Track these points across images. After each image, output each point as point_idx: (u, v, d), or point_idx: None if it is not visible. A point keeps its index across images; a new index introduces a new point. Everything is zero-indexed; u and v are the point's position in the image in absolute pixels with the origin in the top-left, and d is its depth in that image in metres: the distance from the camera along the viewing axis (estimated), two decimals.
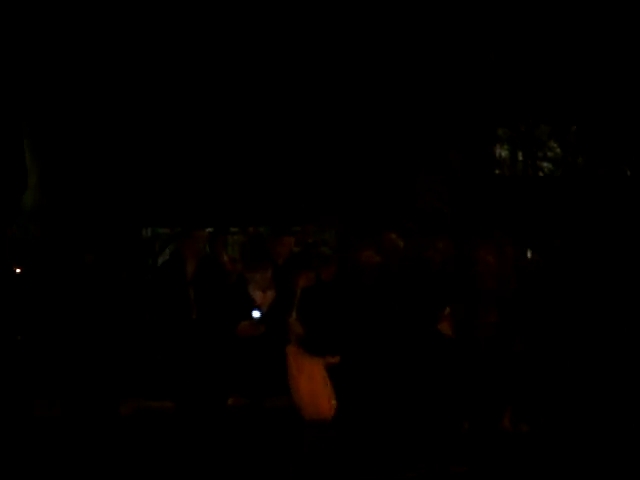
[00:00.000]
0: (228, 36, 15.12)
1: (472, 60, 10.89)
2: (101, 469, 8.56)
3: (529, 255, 9.68)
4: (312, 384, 9.00)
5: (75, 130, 15.35)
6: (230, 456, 8.71)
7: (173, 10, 14.89)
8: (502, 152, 10.56)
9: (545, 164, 10.07)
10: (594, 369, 9.09)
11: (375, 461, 8.61)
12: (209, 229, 11.11)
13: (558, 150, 9.99)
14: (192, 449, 8.95)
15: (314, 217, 12.72)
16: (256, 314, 8.98)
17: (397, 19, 14.52)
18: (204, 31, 15.02)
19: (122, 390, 10.23)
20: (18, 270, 11.89)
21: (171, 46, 15.01)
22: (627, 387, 9.03)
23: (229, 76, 15.43)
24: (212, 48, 15.21)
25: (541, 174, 10.03)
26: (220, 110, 15.62)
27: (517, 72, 9.66)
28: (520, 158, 10.40)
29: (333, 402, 9.07)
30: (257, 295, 9.15)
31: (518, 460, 8.64)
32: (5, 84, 14.76)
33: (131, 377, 10.30)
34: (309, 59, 15.25)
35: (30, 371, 10.85)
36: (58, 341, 10.84)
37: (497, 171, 10.58)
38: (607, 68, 9.73)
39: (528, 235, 9.58)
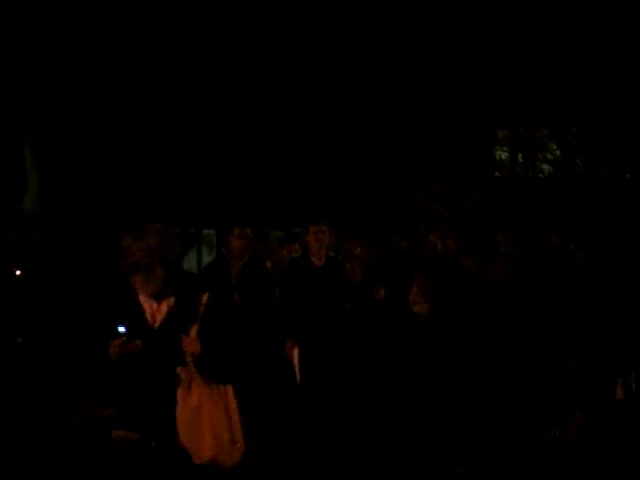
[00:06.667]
0: (228, 37, 15.13)
1: (472, 62, 10.90)
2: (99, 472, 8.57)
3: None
4: (196, 419, 7.07)
5: (75, 133, 15.35)
6: None
7: (173, 11, 14.90)
8: (502, 154, 10.56)
9: (545, 166, 10.07)
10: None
11: (375, 463, 8.63)
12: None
13: (558, 152, 9.99)
14: None
15: (313, 219, 12.71)
16: (121, 329, 7.07)
17: (398, 21, 14.53)
18: (204, 32, 15.03)
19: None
20: (18, 273, 11.91)
21: (171, 49, 15.02)
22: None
23: (229, 79, 15.45)
24: (212, 51, 15.23)
25: (541, 176, 10.03)
26: (221, 114, 15.63)
27: (517, 74, 9.66)
28: (520, 160, 10.40)
29: (238, 445, 7.15)
30: (148, 305, 7.18)
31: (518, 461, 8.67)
32: (5, 87, 14.76)
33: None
34: (311, 63, 15.27)
35: (30, 373, 10.87)
36: (60, 343, 10.86)
37: (497, 173, 10.58)
38: (607, 70, 9.74)
39: (528, 237, 9.61)
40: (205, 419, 7.02)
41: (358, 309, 9.64)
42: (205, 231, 18.01)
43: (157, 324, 7.13)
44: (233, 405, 7.17)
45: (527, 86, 9.63)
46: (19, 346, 11.21)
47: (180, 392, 7.03)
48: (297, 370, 9.53)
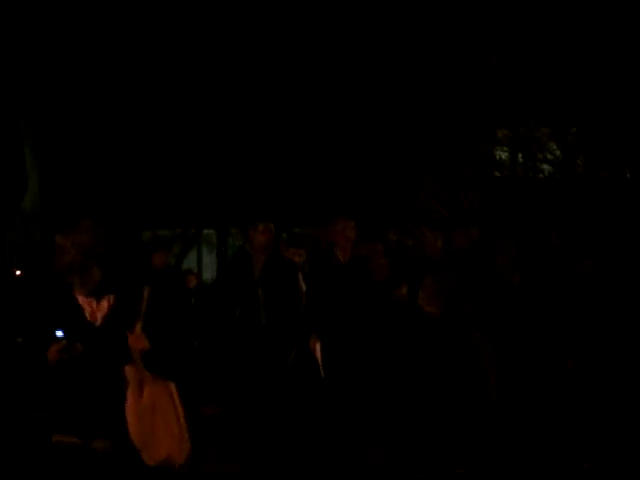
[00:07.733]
0: (229, 37, 15.14)
1: (472, 62, 10.91)
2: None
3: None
4: (149, 418, 6.78)
5: (75, 133, 15.36)
6: None
7: (173, 11, 14.91)
8: (502, 154, 10.56)
9: (545, 166, 10.07)
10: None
11: (375, 463, 8.63)
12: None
13: (558, 152, 9.99)
14: None
15: (314, 219, 12.75)
16: (59, 334, 6.94)
17: (399, 22, 14.54)
18: (204, 32, 15.03)
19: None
20: (18, 273, 11.90)
21: (171, 49, 15.02)
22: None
23: (231, 79, 15.45)
24: (213, 49, 15.24)
25: (541, 176, 10.03)
26: (222, 114, 15.63)
27: (517, 74, 9.66)
28: (520, 160, 10.40)
29: (185, 445, 6.92)
30: (87, 304, 6.97)
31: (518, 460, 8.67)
32: (5, 87, 14.77)
33: None
34: (311, 65, 15.28)
35: (30, 374, 10.85)
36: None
37: (497, 173, 10.58)
38: (607, 70, 9.74)
39: (528, 237, 9.61)
40: (158, 418, 6.80)
41: (380, 306, 9.69)
42: (205, 231, 18.03)
43: (98, 322, 6.96)
44: (178, 402, 6.95)
45: (527, 86, 9.63)
46: (19, 346, 11.19)
47: (130, 392, 6.81)
48: (320, 364, 9.58)
